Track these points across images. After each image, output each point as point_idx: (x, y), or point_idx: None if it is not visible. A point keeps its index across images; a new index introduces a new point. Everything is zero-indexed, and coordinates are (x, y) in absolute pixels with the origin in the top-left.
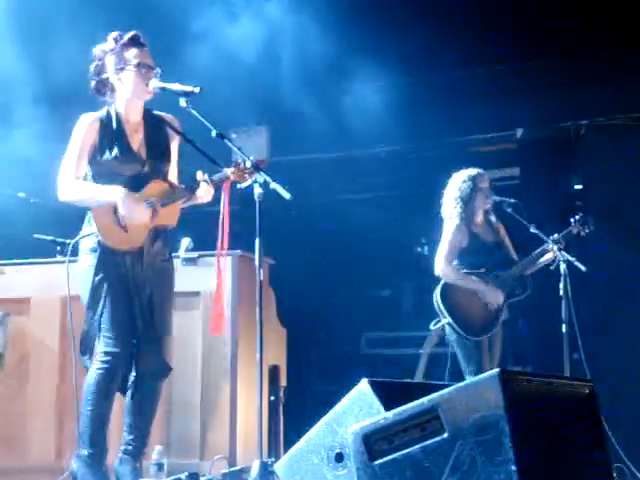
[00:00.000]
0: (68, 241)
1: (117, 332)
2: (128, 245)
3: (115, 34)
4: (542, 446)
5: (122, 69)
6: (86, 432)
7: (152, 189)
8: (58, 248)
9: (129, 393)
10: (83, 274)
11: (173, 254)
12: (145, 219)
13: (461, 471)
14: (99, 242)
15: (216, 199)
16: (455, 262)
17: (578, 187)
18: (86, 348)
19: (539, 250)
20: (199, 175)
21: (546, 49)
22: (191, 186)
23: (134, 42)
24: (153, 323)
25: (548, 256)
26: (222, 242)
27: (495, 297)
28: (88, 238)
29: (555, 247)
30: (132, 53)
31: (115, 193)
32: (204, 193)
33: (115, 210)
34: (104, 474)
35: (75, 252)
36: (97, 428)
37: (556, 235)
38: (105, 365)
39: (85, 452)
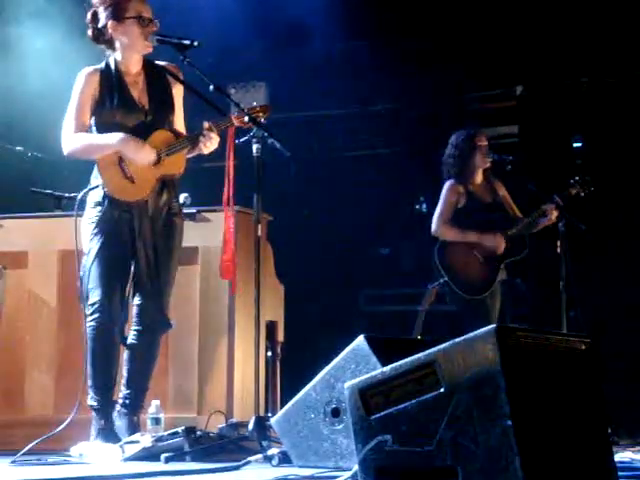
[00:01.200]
0: (67, 195)
1: (101, 283)
2: (135, 196)
3: None
4: (539, 401)
5: (122, 20)
6: (88, 384)
7: (156, 138)
8: (56, 201)
9: (128, 345)
10: (85, 226)
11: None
12: (151, 159)
13: (457, 426)
14: (105, 195)
15: (217, 154)
16: (451, 221)
17: (578, 145)
18: (83, 298)
19: (539, 210)
20: (205, 125)
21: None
22: (195, 134)
23: None
24: (157, 276)
25: (548, 217)
26: (228, 192)
27: (497, 242)
28: (94, 191)
29: (554, 207)
30: (133, 4)
31: (117, 139)
32: (209, 141)
33: (120, 161)
34: (110, 426)
35: (81, 206)
36: (99, 379)
37: (555, 195)
38: (90, 317)
39: (93, 403)
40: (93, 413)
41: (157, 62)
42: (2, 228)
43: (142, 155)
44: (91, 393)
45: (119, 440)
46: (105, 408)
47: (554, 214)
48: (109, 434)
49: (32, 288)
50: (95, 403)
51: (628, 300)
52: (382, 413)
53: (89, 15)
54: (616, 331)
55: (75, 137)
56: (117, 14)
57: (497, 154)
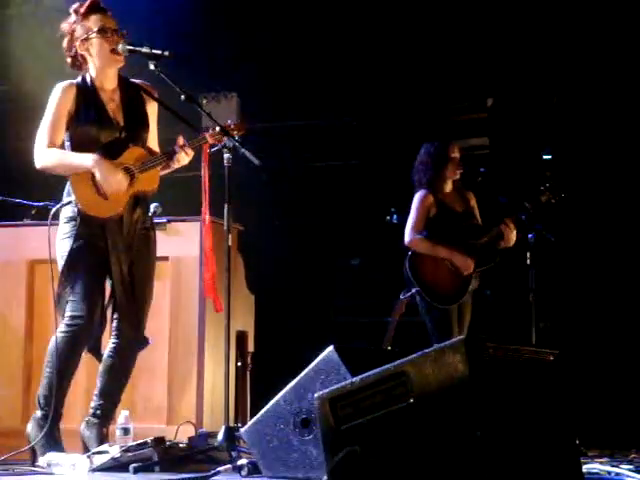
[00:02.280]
0: (36, 204)
1: (84, 298)
2: (108, 212)
3: (75, 5)
4: (508, 412)
5: (87, 39)
6: (42, 393)
7: (130, 155)
8: (27, 211)
9: (104, 359)
10: (59, 242)
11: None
12: (122, 187)
13: (426, 437)
14: (78, 211)
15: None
16: (424, 232)
17: (547, 157)
18: (60, 310)
19: (495, 230)
20: (179, 140)
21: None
22: (170, 151)
23: (94, 8)
24: (133, 292)
25: (504, 237)
26: (206, 206)
27: (466, 264)
28: (67, 207)
29: (512, 223)
30: (93, 20)
31: (90, 160)
32: (182, 157)
33: (94, 177)
34: (55, 436)
35: (55, 216)
36: (54, 389)
37: (525, 203)
38: (69, 329)
39: (38, 413)
40: (40, 420)
41: (133, 80)
42: None
43: (113, 183)
44: (45, 401)
45: (61, 449)
46: (58, 418)
47: (512, 235)
48: (58, 442)
49: (0, 299)
50: (46, 410)
51: (597, 311)
52: (351, 424)
53: (64, 44)
54: (585, 342)
55: (48, 152)
56: (82, 33)
57: (467, 166)
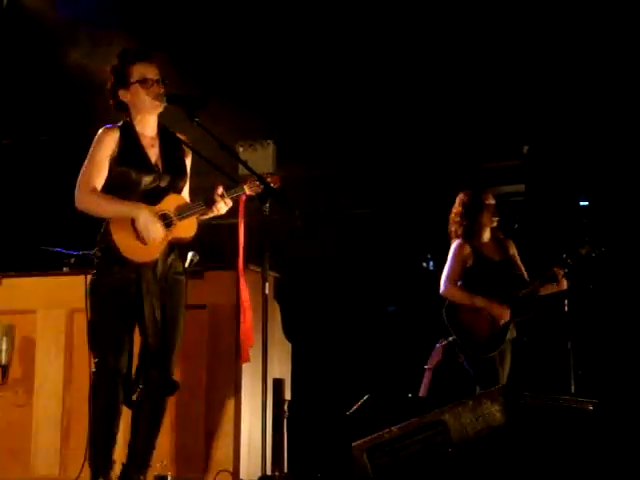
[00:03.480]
0: (75, 253)
1: (112, 346)
2: (145, 258)
3: (120, 51)
4: (545, 462)
5: (127, 86)
6: (89, 442)
7: (169, 202)
8: (65, 260)
9: (135, 406)
10: (92, 287)
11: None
12: (158, 236)
13: None
14: (114, 255)
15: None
16: (460, 282)
17: (584, 204)
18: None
19: (547, 274)
20: (218, 190)
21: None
22: (209, 200)
23: (138, 56)
24: (164, 337)
25: (557, 282)
26: (241, 258)
27: (501, 313)
28: (103, 251)
29: (564, 272)
30: (136, 69)
31: (133, 207)
32: (221, 207)
33: (133, 222)
34: None
35: (90, 263)
36: (98, 439)
37: (565, 256)
38: (97, 375)
39: (88, 461)
40: (91, 472)
41: (172, 130)
42: (11, 286)
43: (152, 229)
44: (91, 452)
45: None
46: (105, 466)
47: (564, 283)
48: None
49: (39, 347)
50: (96, 461)
51: (636, 359)
52: (389, 473)
53: (108, 86)
54: (624, 390)
55: (91, 195)
56: (123, 81)
57: (504, 213)
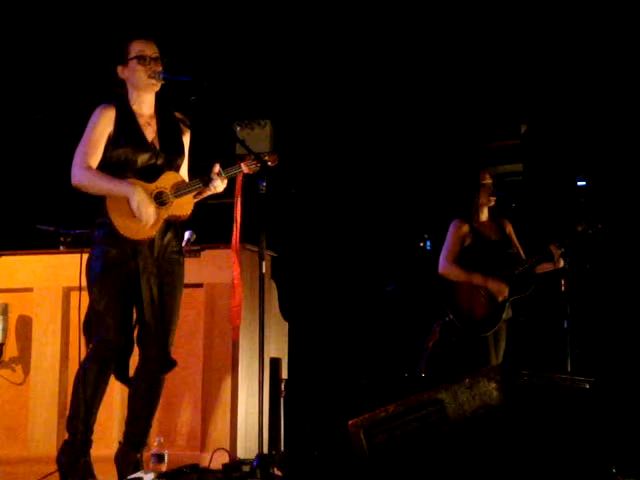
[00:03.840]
0: (71, 232)
1: (112, 321)
2: (142, 235)
3: (119, 29)
4: (541, 440)
5: (125, 62)
6: (70, 418)
7: (166, 180)
8: (61, 239)
9: (132, 384)
10: (90, 263)
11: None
12: (150, 219)
13: (461, 464)
14: (111, 232)
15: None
16: (457, 263)
17: (582, 183)
18: (88, 336)
19: (543, 252)
20: (215, 168)
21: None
22: (205, 178)
23: (137, 34)
24: (162, 315)
25: (553, 261)
26: (236, 236)
27: (500, 289)
28: (101, 228)
29: (561, 250)
30: (134, 46)
31: (127, 188)
32: (218, 185)
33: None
34: (84, 462)
35: (87, 242)
36: (81, 415)
37: (561, 234)
38: (95, 352)
39: (67, 438)
40: (68, 446)
41: (170, 110)
42: (8, 264)
43: (144, 212)
44: (74, 424)
45: (92, 475)
46: (82, 442)
47: (560, 261)
48: (89, 469)
49: (36, 325)
50: (79, 435)
51: (633, 338)
52: (386, 450)
53: (105, 65)
54: (621, 369)
55: (86, 172)
56: (122, 57)
57: (501, 192)
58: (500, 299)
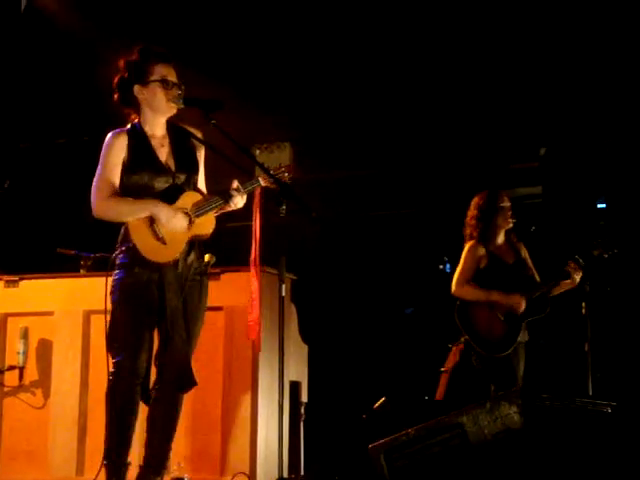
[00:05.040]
0: (92, 255)
1: (133, 344)
2: (167, 258)
3: (141, 46)
4: (564, 464)
5: (146, 84)
6: (106, 447)
7: (186, 200)
8: (82, 262)
9: (152, 405)
10: (114, 288)
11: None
12: (184, 226)
13: None
14: (134, 256)
15: (241, 213)
16: (472, 282)
17: (602, 206)
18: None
19: (560, 272)
20: (234, 184)
21: None
22: (225, 195)
23: (160, 57)
24: (184, 336)
25: (569, 282)
26: (256, 250)
27: (517, 302)
28: (124, 254)
29: (578, 268)
30: (157, 68)
31: (151, 205)
32: (238, 200)
33: (152, 222)
34: None
35: (110, 266)
36: (113, 440)
37: (577, 257)
38: (115, 376)
39: (104, 462)
40: (105, 472)
41: (180, 125)
42: (29, 288)
43: (175, 222)
44: (106, 452)
45: None
46: (119, 468)
47: (577, 277)
48: None
49: (56, 349)
50: (109, 462)
51: None
52: (407, 475)
53: (116, 80)
54: None
55: (107, 201)
56: (142, 78)
57: (520, 215)
58: (519, 312)
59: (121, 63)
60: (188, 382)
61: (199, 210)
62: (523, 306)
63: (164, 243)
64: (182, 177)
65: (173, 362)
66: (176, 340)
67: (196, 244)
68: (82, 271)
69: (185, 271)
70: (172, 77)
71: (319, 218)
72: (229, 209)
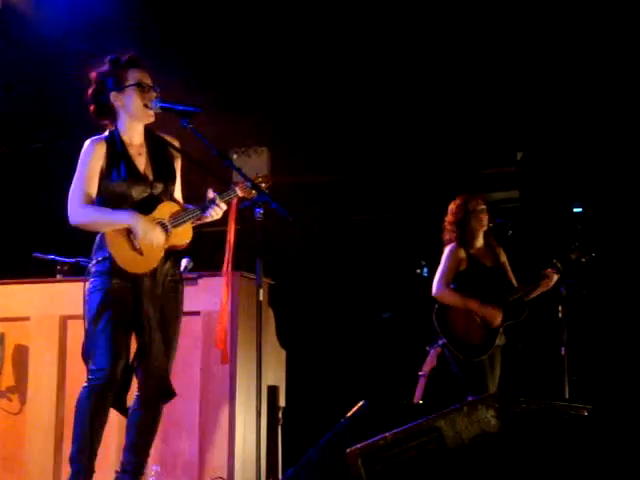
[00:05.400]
0: (67, 260)
1: (109, 351)
2: (144, 268)
3: (112, 56)
4: (541, 467)
5: (122, 90)
6: (72, 450)
7: (163, 210)
8: (58, 267)
9: (130, 413)
10: (89, 295)
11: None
12: (160, 241)
13: None
14: (111, 266)
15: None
16: (453, 285)
17: (578, 210)
18: (87, 363)
19: (538, 276)
20: (209, 194)
21: None
22: (202, 206)
23: (133, 63)
24: (162, 345)
25: (545, 282)
26: (228, 260)
27: (493, 315)
28: (100, 263)
29: (555, 271)
30: (131, 73)
31: (129, 217)
32: (216, 212)
33: (128, 233)
34: None
35: (83, 270)
36: (82, 446)
37: (555, 261)
38: (93, 383)
39: (70, 470)
40: (73, 477)
41: (157, 133)
42: (5, 293)
43: (153, 237)
44: (74, 458)
45: None
46: (86, 475)
47: (553, 278)
48: None
49: (32, 354)
50: (77, 468)
51: (630, 364)
52: (385, 479)
53: (90, 91)
54: (620, 396)
55: (84, 209)
56: (117, 84)
57: (499, 218)
58: (495, 326)
59: (93, 75)
60: (167, 393)
61: (176, 221)
62: (499, 320)
63: (141, 254)
64: (160, 186)
65: (151, 374)
66: (154, 351)
67: (171, 253)
68: (58, 276)
69: (161, 278)
70: (147, 80)
71: (297, 222)
72: (207, 220)
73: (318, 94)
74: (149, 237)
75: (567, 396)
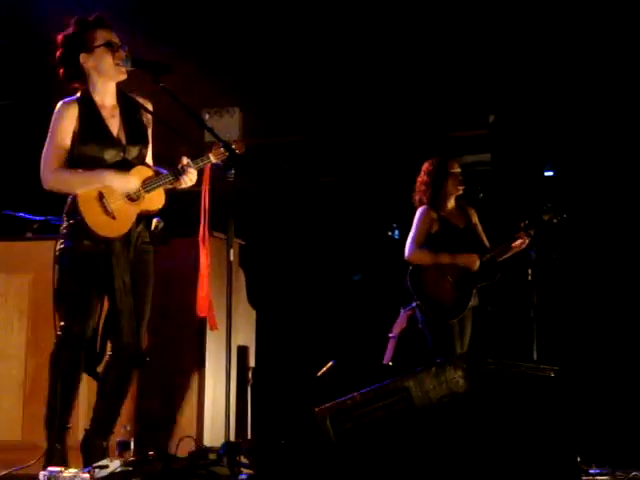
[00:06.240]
0: (38, 219)
1: (79, 309)
2: (116, 232)
3: (77, 18)
4: (507, 428)
5: (92, 51)
6: (47, 407)
7: (136, 175)
8: (28, 226)
9: (102, 375)
10: (60, 255)
11: None
12: (136, 186)
13: (427, 451)
14: (84, 230)
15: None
16: (424, 247)
17: (549, 173)
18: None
19: (510, 238)
20: (183, 160)
21: None
22: (176, 171)
23: (99, 23)
24: (134, 309)
25: (518, 243)
26: (205, 226)
27: (469, 260)
28: (72, 226)
29: (526, 234)
30: (99, 33)
31: (102, 173)
32: (189, 179)
33: (101, 197)
34: (59, 449)
35: (53, 229)
36: (56, 403)
37: (527, 222)
38: (63, 338)
39: (45, 425)
40: (47, 436)
41: (130, 94)
42: None
43: (129, 184)
44: (48, 416)
45: (66, 464)
46: (61, 432)
47: (526, 240)
48: (63, 457)
49: (2, 313)
50: (51, 426)
51: (599, 327)
52: (352, 438)
53: (58, 54)
54: (587, 358)
55: (58, 172)
56: (86, 46)
57: (469, 182)
58: (475, 269)
59: (60, 38)
60: (138, 358)
61: (149, 186)
62: (477, 263)
63: (113, 218)
64: (133, 150)
65: (122, 338)
66: (125, 315)
67: (143, 217)
68: (29, 234)
69: (133, 243)
70: (115, 40)
71: (268, 183)
72: (180, 187)
73: (290, 54)
74: (127, 186)
75: (535, 358)
